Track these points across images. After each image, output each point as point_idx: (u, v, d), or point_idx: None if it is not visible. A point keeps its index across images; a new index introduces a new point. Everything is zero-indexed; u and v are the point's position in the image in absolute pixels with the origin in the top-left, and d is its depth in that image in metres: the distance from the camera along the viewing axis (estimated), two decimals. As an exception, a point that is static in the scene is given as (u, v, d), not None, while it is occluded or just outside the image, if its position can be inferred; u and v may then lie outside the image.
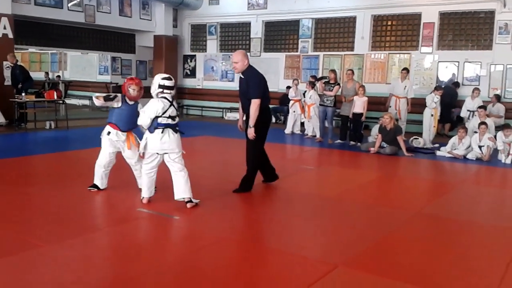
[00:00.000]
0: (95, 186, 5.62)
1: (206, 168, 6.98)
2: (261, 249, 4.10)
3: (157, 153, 5.04)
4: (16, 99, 11.09)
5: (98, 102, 5.33)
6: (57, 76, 18.46)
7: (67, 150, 8.95)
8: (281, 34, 15.06)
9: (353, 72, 10.69)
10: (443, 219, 5.18)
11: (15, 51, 12.16)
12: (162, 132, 4.91)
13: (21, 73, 11.55)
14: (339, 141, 10.38)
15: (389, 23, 13.23)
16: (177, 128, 5.05)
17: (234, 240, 4.28)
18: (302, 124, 12.08)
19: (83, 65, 19.82)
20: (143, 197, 5.22)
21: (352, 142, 10.21)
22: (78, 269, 3.55)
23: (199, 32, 16.71)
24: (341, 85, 10.51)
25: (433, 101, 10.05)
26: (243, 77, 5.68)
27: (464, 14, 12.14)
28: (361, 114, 10.11)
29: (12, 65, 11.51)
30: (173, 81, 5.07)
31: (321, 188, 6.65)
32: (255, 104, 5.47)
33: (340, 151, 9.73)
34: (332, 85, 10.30)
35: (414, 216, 5.21)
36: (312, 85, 11.22)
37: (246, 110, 5.70)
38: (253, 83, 5.55)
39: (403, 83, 10.98)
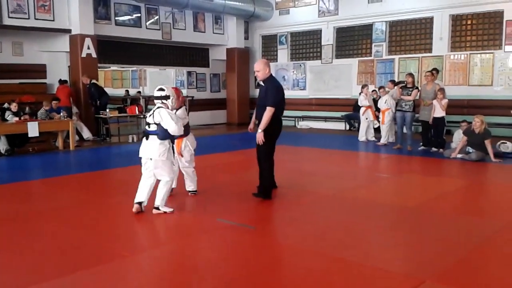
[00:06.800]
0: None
1: (283, 177, 6.90)
2: (339, 261, 3.97)
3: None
4: (101, 115, 11.79)
5: None
6: (137, 92, 19.42)
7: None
8: (353, 40, 14.80)
9: (432, 74, 9.86)
10: (540, 230, 4.75)
11: (98, 69, 12.92)
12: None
13: (96, 90, 12.19)
14: (422, 147, 9.94)
15: (469, 22, 12.55)
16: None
17: (311, 251, 4.18)
18: (378, 130, 11.72)
19: (162, 80, 20.63)
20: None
21: (434, 149, 9.73)
22: (162, 277, 3.67)
23: (270, 43, 16.86)
24: (419, 88, 10.06)
25: None
26: (263, 85, 5.86)
27: (554, 7, 11.24)
28: (442, 118, 9.59)
29: (87, 85, 12.14)
30: (164, 91, 5.19)
31: (401, 197, 6.35)
32: (270, 111, 5.59)
33: (420, 158, 9.30)
34: (410, 90, 9.91)
35: (506, 226, 4.84)
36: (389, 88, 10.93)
37: (259, 116, 5.80)
38: (271, 92, 5.71)
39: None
